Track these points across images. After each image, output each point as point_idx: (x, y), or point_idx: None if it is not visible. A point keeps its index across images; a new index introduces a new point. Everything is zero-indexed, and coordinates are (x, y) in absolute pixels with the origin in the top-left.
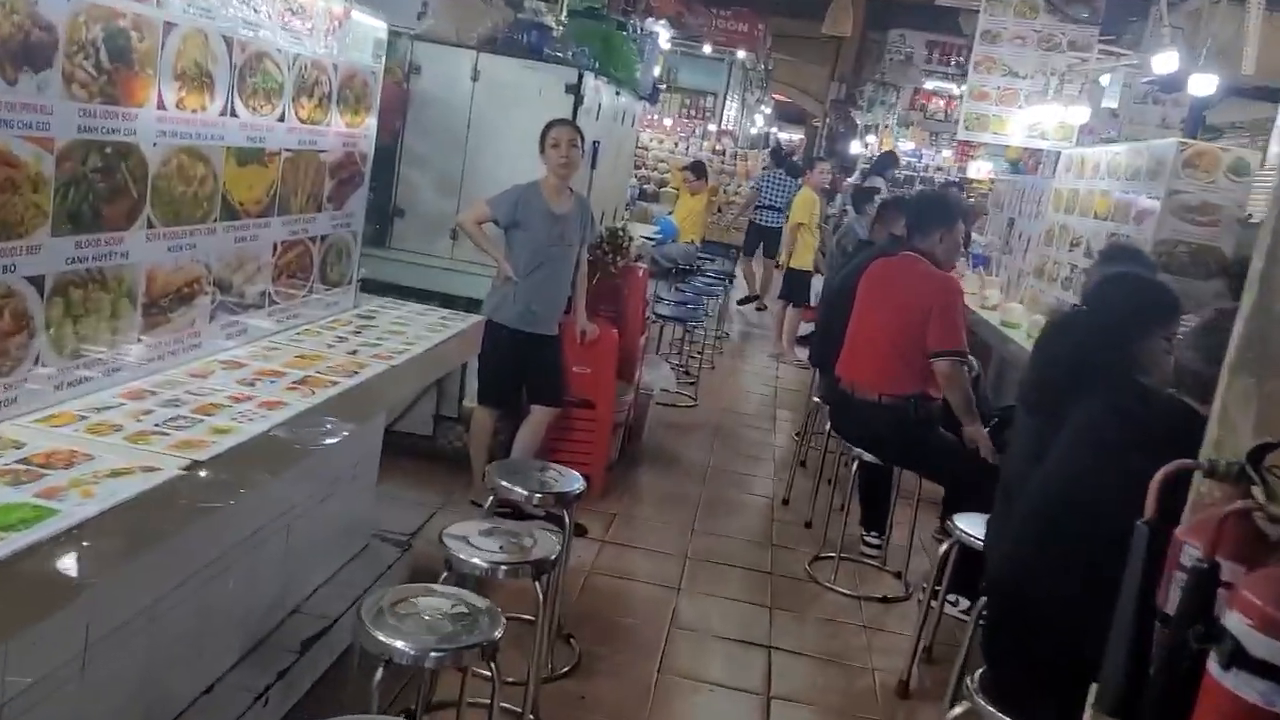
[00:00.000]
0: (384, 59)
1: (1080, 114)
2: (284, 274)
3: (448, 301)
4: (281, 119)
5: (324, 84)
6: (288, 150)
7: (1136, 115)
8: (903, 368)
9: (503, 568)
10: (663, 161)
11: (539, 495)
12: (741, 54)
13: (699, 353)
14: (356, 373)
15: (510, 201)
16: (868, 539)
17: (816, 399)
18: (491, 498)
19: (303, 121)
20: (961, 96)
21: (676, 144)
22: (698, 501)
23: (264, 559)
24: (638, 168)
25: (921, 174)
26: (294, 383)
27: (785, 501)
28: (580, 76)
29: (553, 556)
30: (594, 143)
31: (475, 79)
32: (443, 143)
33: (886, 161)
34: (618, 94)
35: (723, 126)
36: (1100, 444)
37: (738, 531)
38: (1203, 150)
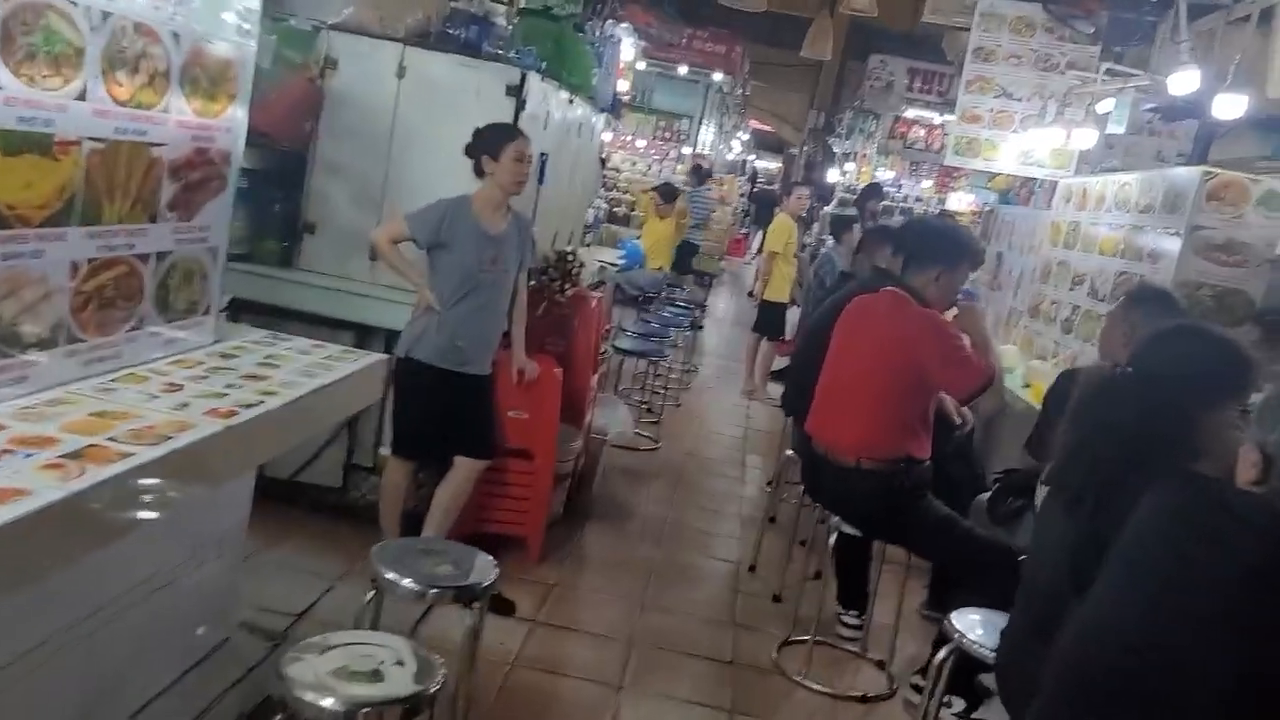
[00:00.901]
0: (255, 32)
1: (1087, 139)
2: (93, 302)
3: (365, 333)
4: (82, 97)
5: (157, 56)
6: (95, 140)
7: (1132, 146)
8: (885, 426)
9: (363, 711)
10: (634, 183)
11: (434, 591)
12: (718, 77)
13: (664, 388)
14: (170, 438)
15: (434, 218)
16: (845, 618)
17: (790, 451)
18: (372, 594)
19: (121, 103)
20: (945, 124)
21: (650, 166)
22: (651, 568)
23: (50, 678)
24: (608, 189)
25: (901, 204)
26: (62, 456)
27: (752, 568)
28: (524, 78)
29: (433, 689)
30: (541, 155)
31: (401, 76)
32: (362, 148)
33: (870, 193)
34: (571, 102)
35: (698, 150)
36: (1176, 584)
37: (695, 607)
38: (1230, 181)
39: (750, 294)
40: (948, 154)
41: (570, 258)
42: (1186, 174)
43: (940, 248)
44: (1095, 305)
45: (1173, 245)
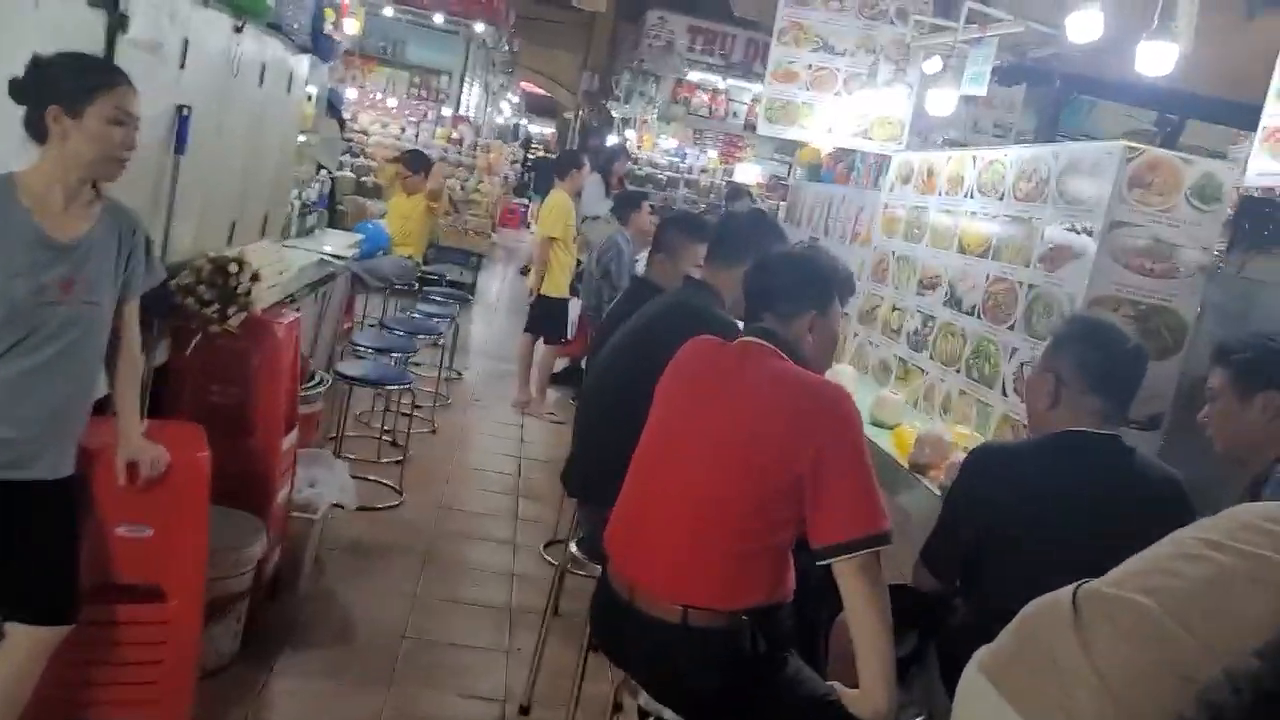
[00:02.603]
0: None
1: (943, 102)
2: None
3: None
4: None
5: None
6: None
7: (941, 122)
8: (737, 558)
9: None
10: (385, 148)
11: None
12: (481, 28)
13: (414, 409)
14: None
15: None
16: None
17: (574, 549)
18: None
19: None
20: (730, 89)
21: (404, 129)
22: None
23: None
24: (355, 155)
25: (686, 175)
26: None
27: (525, 709)
28: None
29: None
30: (181, 110)
31: None
32: None
33: (614, 155)
34: (240, 30)
35: (461, 112)
36: None
37: None
38: (1157, 161)
39: (523, 270)
40: (760, 122)
41: (235, 268)
42: (1100, 150)
43: (805, 286)
44: (959, 318)
45: (1081, 246)
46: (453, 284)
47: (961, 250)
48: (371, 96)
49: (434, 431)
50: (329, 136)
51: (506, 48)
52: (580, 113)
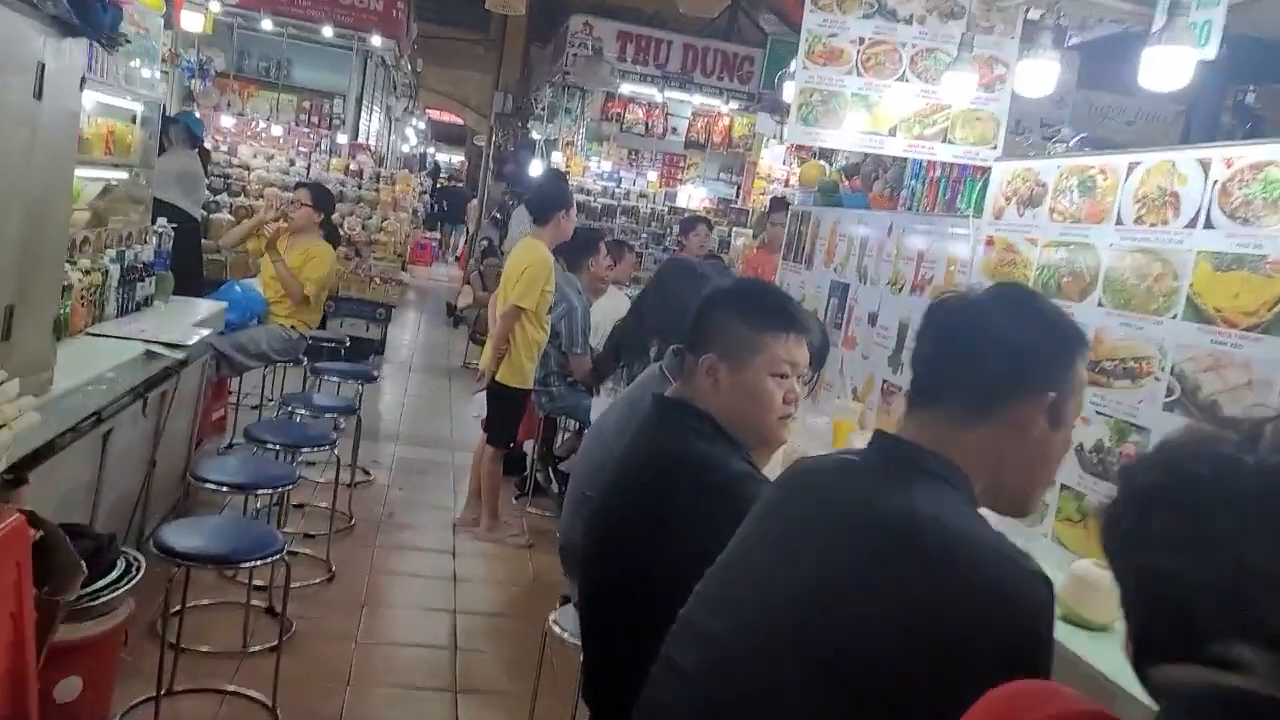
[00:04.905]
0: None
1: (1176, 68)
2: None
3: None
4: None
5: None
6: None
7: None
8: None
9: None
10: (272, 185)
11: None
12: (378, 41)
13: (305, 538)
14: None
15: None
16: None
17: None
18: None
19: None
20: (668, 103)
21: (293, 161)
22: None
23: None
24: (234, 194)
25: (623, 202)
26: None
27: None
28: None
29: None
30: None
31: None
32: None
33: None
34: None
35: (359, 139)
36: None
37: None
38: None
39: (455, 320)
40: (790, 124)
41: None
42: None
43: None
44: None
45: None
46: (355, 344)
47: (1199, 317)
48: (252, 124)
49: (330, 578)
50: (184, 171)
51: (409, 67)
52: (494, 137)
